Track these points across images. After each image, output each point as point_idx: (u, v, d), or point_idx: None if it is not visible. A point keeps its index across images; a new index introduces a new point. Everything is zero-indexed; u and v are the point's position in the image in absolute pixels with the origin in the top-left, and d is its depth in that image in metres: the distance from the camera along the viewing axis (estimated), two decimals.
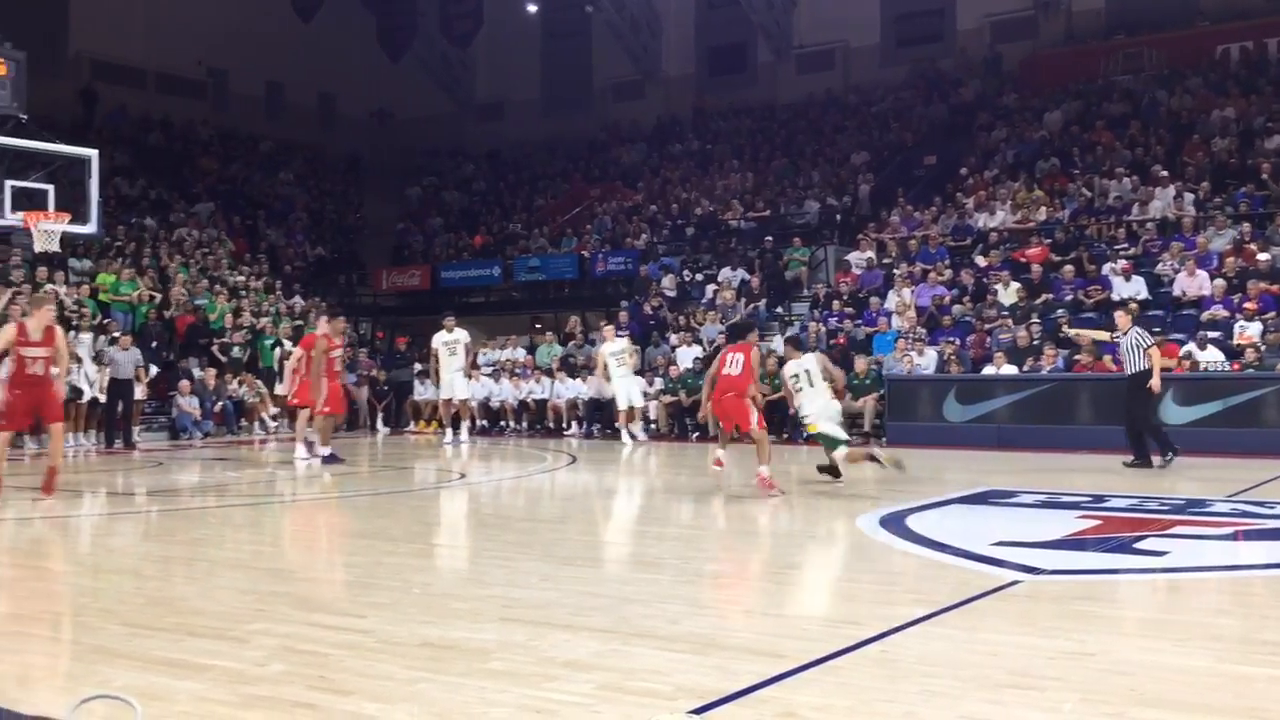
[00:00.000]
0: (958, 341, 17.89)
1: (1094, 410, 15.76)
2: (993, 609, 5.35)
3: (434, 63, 34.68)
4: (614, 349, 18.24)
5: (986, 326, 18.12)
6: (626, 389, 17.96)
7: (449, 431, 18.44)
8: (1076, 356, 16.57)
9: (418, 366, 22.17)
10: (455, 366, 17.98)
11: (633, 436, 17.77)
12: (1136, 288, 17.79)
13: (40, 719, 1.17)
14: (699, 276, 23.58)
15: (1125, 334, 12.98)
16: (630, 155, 31.00)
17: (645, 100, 32.99)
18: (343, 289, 28.16)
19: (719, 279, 22.58)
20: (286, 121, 33.45)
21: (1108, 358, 16.26)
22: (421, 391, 21.81)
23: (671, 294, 22.98)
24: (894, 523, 8.23)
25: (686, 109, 32.12)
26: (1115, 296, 17.80)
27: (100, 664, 4.35)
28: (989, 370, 17.00)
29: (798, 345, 12.04)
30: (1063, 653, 4.48)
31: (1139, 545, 7.33)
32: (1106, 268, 18.56)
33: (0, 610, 5.43)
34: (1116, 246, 19.33)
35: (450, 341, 17.94)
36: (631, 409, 18.03)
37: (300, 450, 14.15)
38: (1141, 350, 12.72)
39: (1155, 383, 12.63)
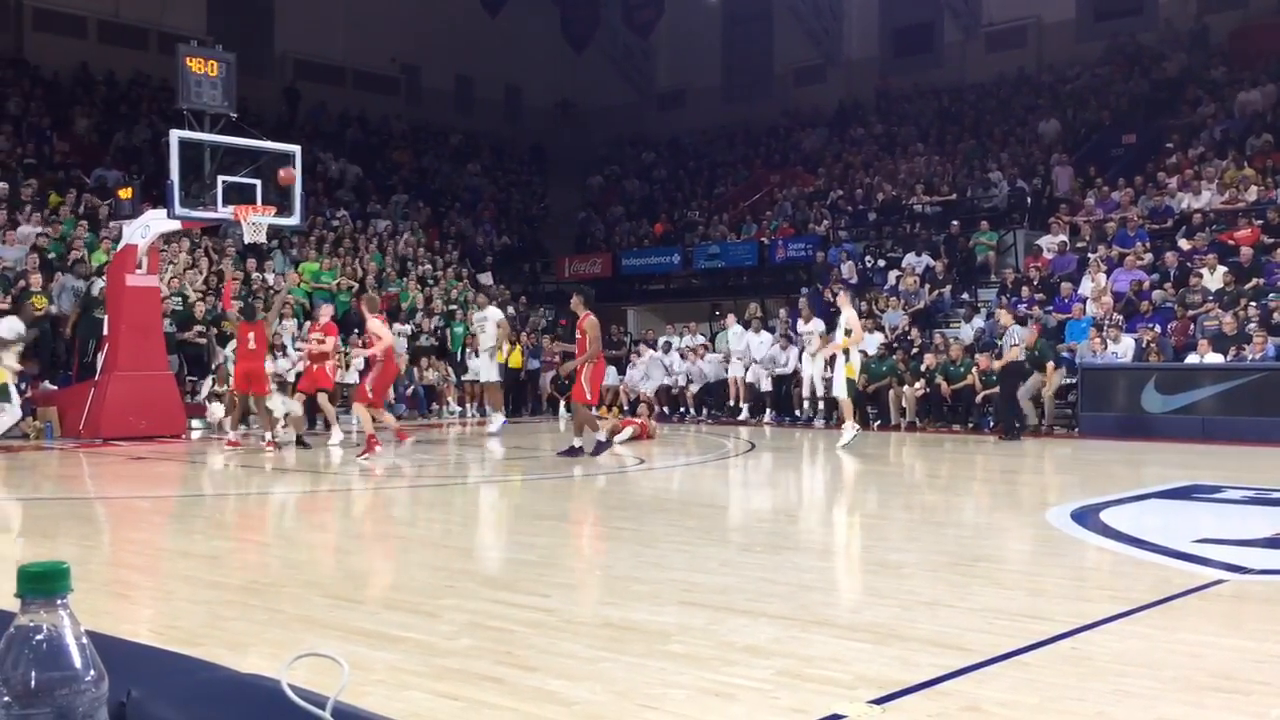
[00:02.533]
0: (1157, 328, 17.05)
1: None
2: (1194, 608, 5.09)
3: (616, 53, 35.08)
4: (806, 329, 17.60)
5: (1190, 312, 17.20)
6: (811, 374, 17.30)
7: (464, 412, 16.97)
8: None
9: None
10: (482, 346, 16.55)
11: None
12: None
13: (256, 675, 1.26)
14: (881, 262, 23.16)
15: (1008, 329, 16.19)
16: (811, 140, 30.66)
17: (827, 84, 32.56)
18: (527, 277, 28.87)
19: (902, 264, 22.12)
20: (474, 114, 34.43)
21: None
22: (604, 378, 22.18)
23: (852, 280, 22.65)
24: (1087, 517, 7.92)
25: (869, 92, 31.53)
26: None
27: (304, 632, 4.59)
28: (1192, 359, 16.14)
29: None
30: (1271, 656, 4.23)
31: None
32: None
33: (214, 580, 5.79)
34: None
35: (480, 319, 16.48)
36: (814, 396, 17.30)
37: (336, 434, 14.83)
38: (1009, 345, 15.98)
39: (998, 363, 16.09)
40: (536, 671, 3.95)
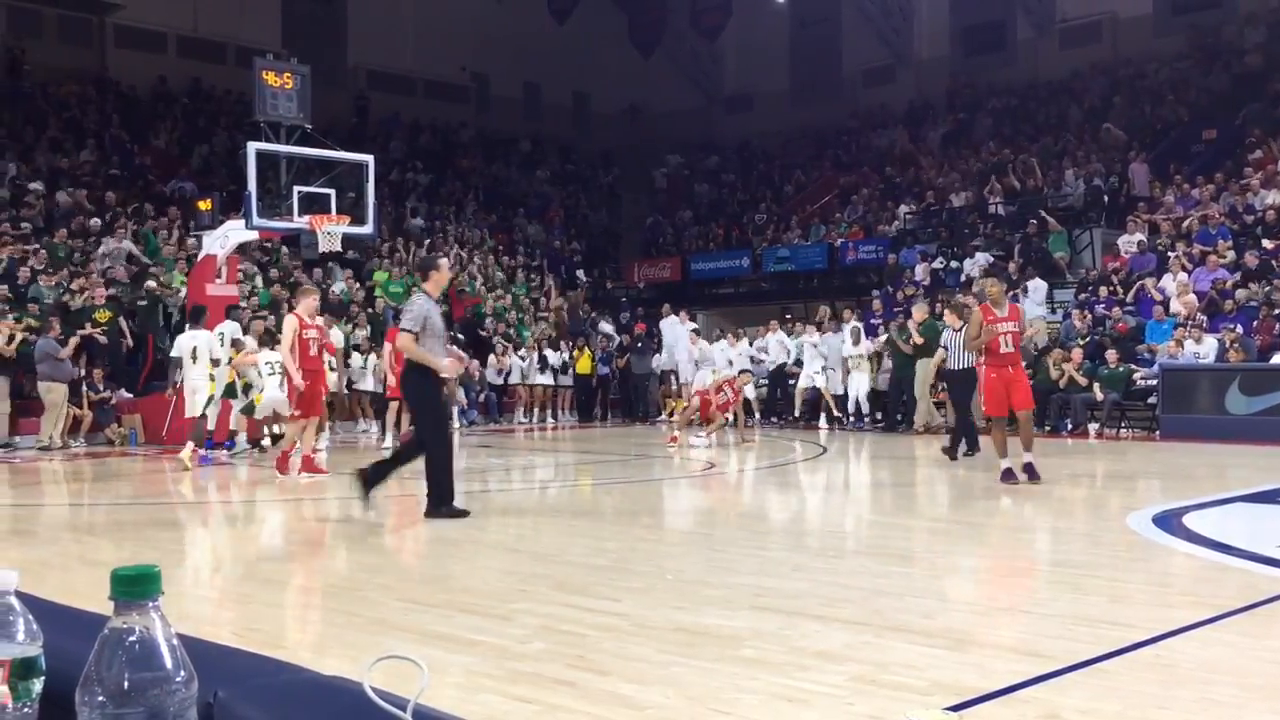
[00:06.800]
0: (1238, 328, 16.61)
1: None
2: None
3: (683, 57, 35.09)
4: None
5: (1276, 311, 16.74)
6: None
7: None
8: None
9: (656, 358, 22.54)
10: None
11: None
12: None
13: (337, 678, 1.28)
14: (953, 263, 22.86)
15: (958, 331, 13.09)
16: (881, 141, 30.39)
17: (896, 84, 32.25)
18: (597, 282, 28.96)
19: (975, 265, 21.81)
20: (543, 121, 34.64)
21: None
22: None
23: (924, 282, 22.38)
24: (1169, 521, 7.75)
25: (940, 91, 31.16)
26: None
27: (380, 635, 4.66)
28: (1279, 359, 15.71)
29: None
30: None
31: None
32: None
33: (292, 584, 5.90)
34: None
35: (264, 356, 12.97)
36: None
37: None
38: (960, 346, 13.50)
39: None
40: (609, 675, 3.96)
